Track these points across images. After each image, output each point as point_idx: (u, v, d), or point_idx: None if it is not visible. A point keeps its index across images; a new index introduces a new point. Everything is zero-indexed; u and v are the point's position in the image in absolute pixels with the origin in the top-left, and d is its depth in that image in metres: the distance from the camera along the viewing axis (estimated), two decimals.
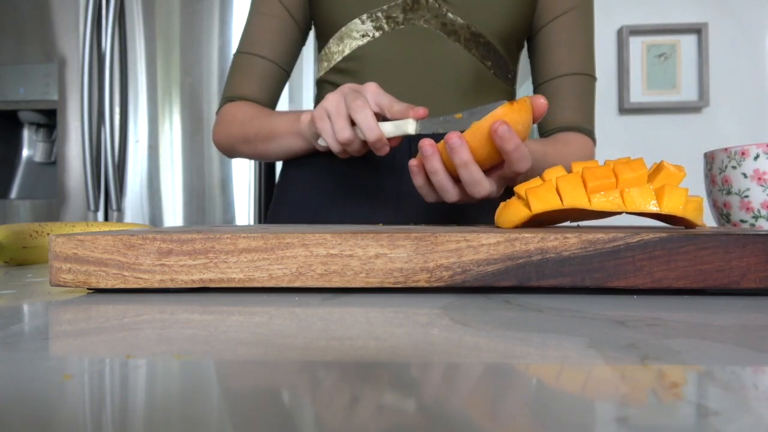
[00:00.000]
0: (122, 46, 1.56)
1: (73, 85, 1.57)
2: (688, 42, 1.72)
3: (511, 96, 0.72)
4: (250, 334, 0.21)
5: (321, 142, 0.54)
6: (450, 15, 0.64)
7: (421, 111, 0.48)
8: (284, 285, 0.29)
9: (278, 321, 0.23)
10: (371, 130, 0.48)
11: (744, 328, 0.21)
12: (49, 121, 1.68)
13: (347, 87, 0.52)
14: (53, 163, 1.71)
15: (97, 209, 1.53)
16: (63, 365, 0.17)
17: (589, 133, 0.69)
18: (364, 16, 0.65)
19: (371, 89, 0.51)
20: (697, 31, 1.70)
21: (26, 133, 1.76)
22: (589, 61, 0.69)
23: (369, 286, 0.28)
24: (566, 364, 0.17)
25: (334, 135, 0.51)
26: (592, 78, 0.69)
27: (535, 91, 0.71)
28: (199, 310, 0.25)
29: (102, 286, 0.29)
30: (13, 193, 1.71)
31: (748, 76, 1.72)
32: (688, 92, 1.72)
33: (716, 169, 0.52)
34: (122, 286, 0.29)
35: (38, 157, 1.72)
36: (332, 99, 0.50)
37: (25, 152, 1.76)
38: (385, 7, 0.64)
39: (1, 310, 0.26)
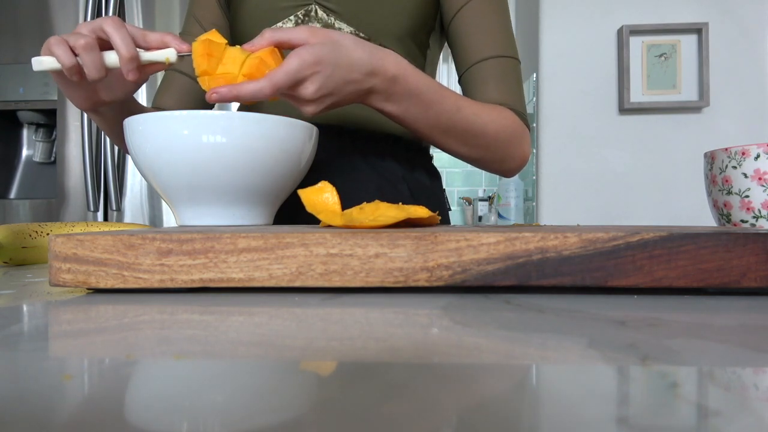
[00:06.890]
0: None
1: None
2: (688, 42, 1.72)
3: None
4: (250, 334, 0.20)
5: (43, 61, 0.47)
6: (337, 23, 0.66)
7: (185, 46, 0.48)
8: (284, 285, 0.29)
9: (278, 321, 0.23)
10: (128, 47, 0.46)
11: (744, 328, 0.21)
12: (49, 121, 1.68)
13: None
14: (53, 163, 1.71)
15: (96, 209, 1.53)
16: (63, 365, 0.17)
17: (516, 111, 0.67)
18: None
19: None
20: (697, 31, 1.70)
21: (26, 133, 1.76)
22: (507, 43, 0.67)
23: (369, 285, 0.28)
24: (566, 364, 0.17)
25: (66, 44, 0.46)
26: (514, 59, 0.68)
27: (460, 82, 0.70)
28: (199, 310, 0.25)
29: (102, 286, 0.29)
30: (13, 193, 1.71)
31: (748, 76, 1.72)
32: (688, 92, 1.72)
33: (716, 169, 0.52)
34: (122, 286, 0.29)
35: (38, 157, 1.72)
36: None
37: (25, 152, 1.76)
38: (280, 24, 0.68)
39: (1, 310, 0.26)
